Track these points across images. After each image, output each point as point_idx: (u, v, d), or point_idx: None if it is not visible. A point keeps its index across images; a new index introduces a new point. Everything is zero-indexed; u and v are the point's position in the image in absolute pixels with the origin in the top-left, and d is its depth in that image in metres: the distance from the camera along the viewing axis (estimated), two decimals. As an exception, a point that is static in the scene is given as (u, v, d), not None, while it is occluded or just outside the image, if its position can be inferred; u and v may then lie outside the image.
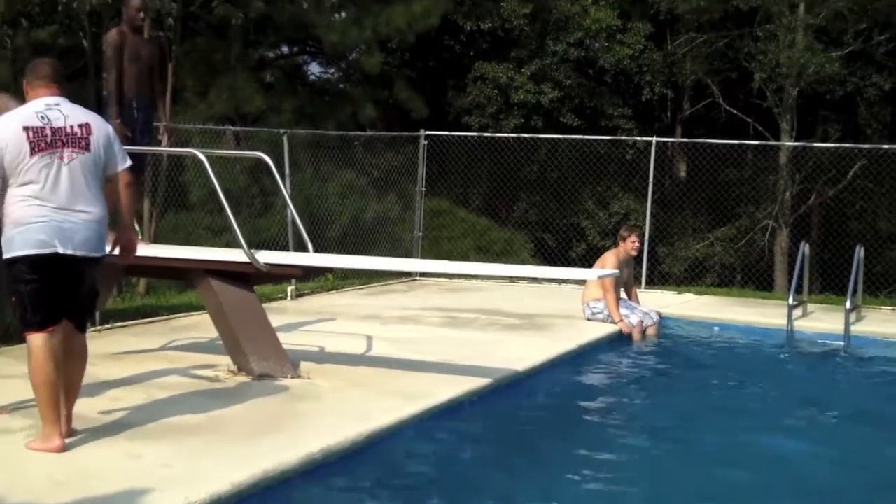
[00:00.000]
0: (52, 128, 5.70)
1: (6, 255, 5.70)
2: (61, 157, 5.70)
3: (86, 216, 5.77)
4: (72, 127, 5.77)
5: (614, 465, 6.69)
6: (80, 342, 6.06)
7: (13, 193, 5.64)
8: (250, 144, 17.37)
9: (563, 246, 23.04)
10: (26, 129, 5.64)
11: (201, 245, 12.47)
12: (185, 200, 17.42)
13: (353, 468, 6.11)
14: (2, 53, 16.35)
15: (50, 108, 5.77)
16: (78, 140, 5.77)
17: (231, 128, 18.85)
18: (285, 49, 27.52)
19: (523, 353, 9.36)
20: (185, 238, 16.14)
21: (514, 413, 7.90)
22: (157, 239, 15.50)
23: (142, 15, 8.52)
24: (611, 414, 8.37)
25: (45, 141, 5.65)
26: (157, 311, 11.15)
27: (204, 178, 15.18)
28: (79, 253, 5.75)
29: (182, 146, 15.22)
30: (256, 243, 14.50)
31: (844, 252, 15.95)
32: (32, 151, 5.62)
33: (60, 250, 5.67)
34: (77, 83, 19.69)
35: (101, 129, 5.96)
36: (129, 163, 6.14)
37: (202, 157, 7.89)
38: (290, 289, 12.88)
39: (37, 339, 5.71)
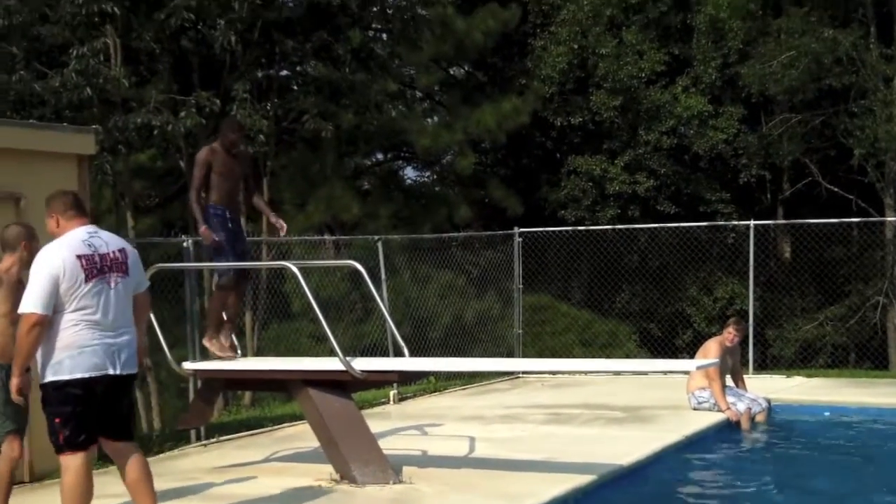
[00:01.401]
0: (98, 255, 5.93)
1: (52, 378, 5.83)
2: (109, 283, 5.93)
3: (127, 336, 6.00)
4: (113, 253, 6.02)
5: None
6: (137, 455, 6.21)
7: (67, 319, 5.81)
8: (349, 251, 17.58)
9: (669, 334, 22.74)
10: (79, 257, 5.85)
11: (305, 354, 12.63)
12: (287, 310, 17.66)
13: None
14: (104, 179, 16.89)
15: (92, 236, 6.02)
16: (120, 265, 6.01)
17: (327, 237, 19.15)
18: (380, 156, 28.03)
19: (628, 447, 9.19)
20: (288, 348, 16.31)
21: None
22: (259, 351, 15.75)
23: (233, 136, 8.72)
24: (721, 506, 8.14)
25: (96, 268, 5.88)
26: (261, 423, 11.24)
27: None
28: (124, 372, 5.96)
29: (282, 258, 15.51)
30: (358, 349, 14.70)
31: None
32: (87, 278, 5.84)
33: (111, 371, 5.87)
34: (178, 203, 20.31)
35: (133, 252, 6.24)
36: (149, 283, 6.46)
37: (295, 269, 8.01)
38: (392, 393, 12.89)
39: (77, 459, 5.84)
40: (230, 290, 8.76)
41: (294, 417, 11.39)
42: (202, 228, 8.53)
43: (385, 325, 13.08)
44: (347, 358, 7.79)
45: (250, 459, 9.07)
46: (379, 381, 8.66)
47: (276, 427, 11.03)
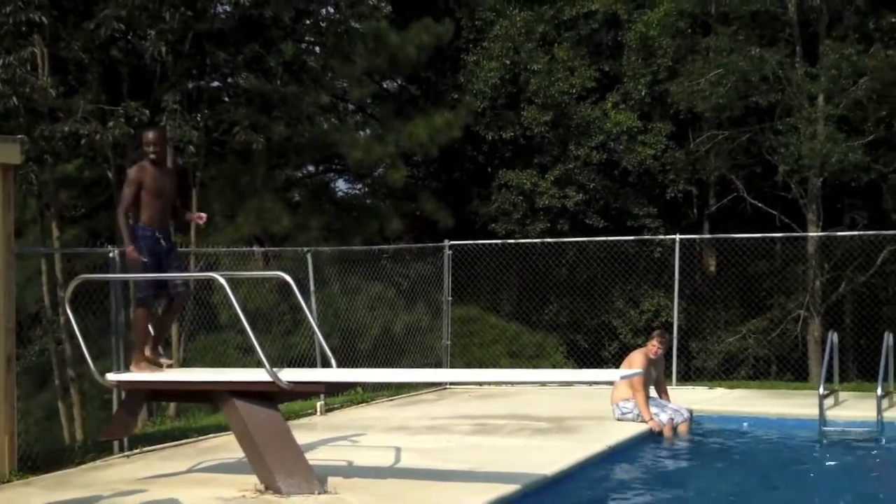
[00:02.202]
0: None
1: None
2: None
3: None
4: None
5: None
6: None
7: None
8: (279, 263, 17.56)
9: (596, 346, 22.98)
10: None
11: (232, 365, 12.59)
12: (215, 322, 17.58)
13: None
14: (29, 189, 16.67)
15: None
16: None
17: (256, 248, 19.09)
18: (311, 168, 27.99)
19: (552, 457, 9.31)
20: (215, 359, 16.24)
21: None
22: (185, 362, 15.68)
23: (153, 148, 8.66)
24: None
25: None
26: (186, 434, 11.19)
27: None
28: None
29: (211, 269, 15.45)
30: (286, 360, 14.68)
31: (878, 338, 15.76)
32: None
33: None
34: (104, 214, 20.12)
35: None
36: None
37: (222, 280, 8.02)
38: (319, 404, 12.89)
39: None
40: (149, 307, 8.71)
41: (219, 428, 11.33)
42: (129, 248, 8.47)
43: (313, 336, 13.13)
44: (275, 369, 7.82)
45: (175, 470, 9.04)
46: (306, 392, 8.69)
47: (201, 438, 10.98)
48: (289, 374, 8.03)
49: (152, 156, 8.61)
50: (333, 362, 8.63)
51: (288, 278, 8.93)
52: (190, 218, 9.42)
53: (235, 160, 19.90)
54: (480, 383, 15.30)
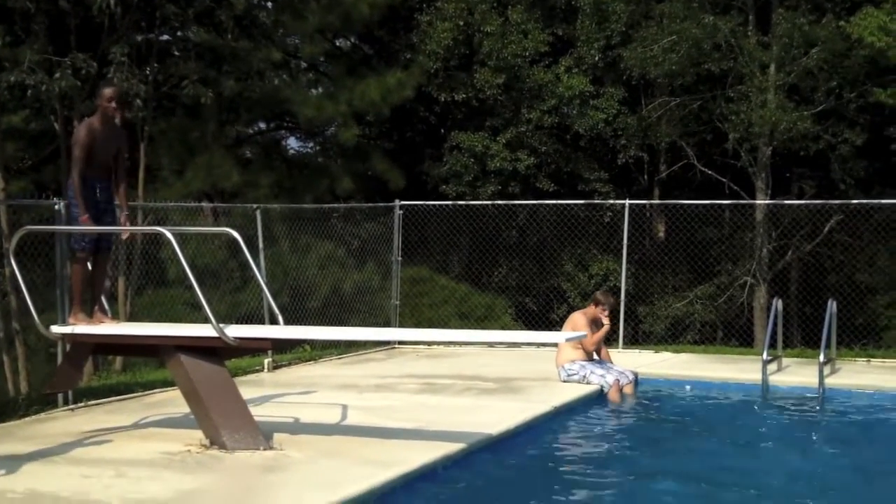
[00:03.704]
0: None
1: None
2: None
3: None
4: None
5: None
6: None
7: None
8: (228, 219, 17.43)
9: (544, 309, 23.12)
10: None
11: (181, 321, 12.51)
12: (163, 277, 17.45)
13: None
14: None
15: None
16: None
17: (206, 204, 18.94)
18: (262, 125, 27.79)
19: (498, 417, 9.37)
20: (163, 314, 16.13)
21: (488, 477, 7.89)
22: (132, 317, 15.56)
23: (113, 105, 8.54)
24: (583, 475, 8.33)
25: None
26: (131, 388, 11.13)
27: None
28: None
29: (159, 224, 15.32)
30: (235, 317, 14.63)
31: (822, 306, 15.94)
32: None
33: None
34: (51, 166, 19.85)
35: None
36: None
37: (170, 235, 7.97)
38: (266, 361, 12.87)
39: None
40: (86, 261, 8.61)
41: (165, 383, 11.29)
42: (83, 218, 8.34)
43: (262, 294, 13.09)
44: (222, 325, 7.79)
45: (119, 424, 9.00)
46: (252, 348, 8.65)
47: (146, 392, 10.94)
48: (236, 331, 8.00)
49: (111, 112, 8.49)
50: (280, 319, 8.61)
51: (236, 235, 8.88)
52: (120, 214, 9.05)
53: (185, 115, 19.67)
54: (429, 343, 15.36)
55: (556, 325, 21.56)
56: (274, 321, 9.05)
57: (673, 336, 21.77)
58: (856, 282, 21.66)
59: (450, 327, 18.68)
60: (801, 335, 20.38)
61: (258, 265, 10.90)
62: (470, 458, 8.07)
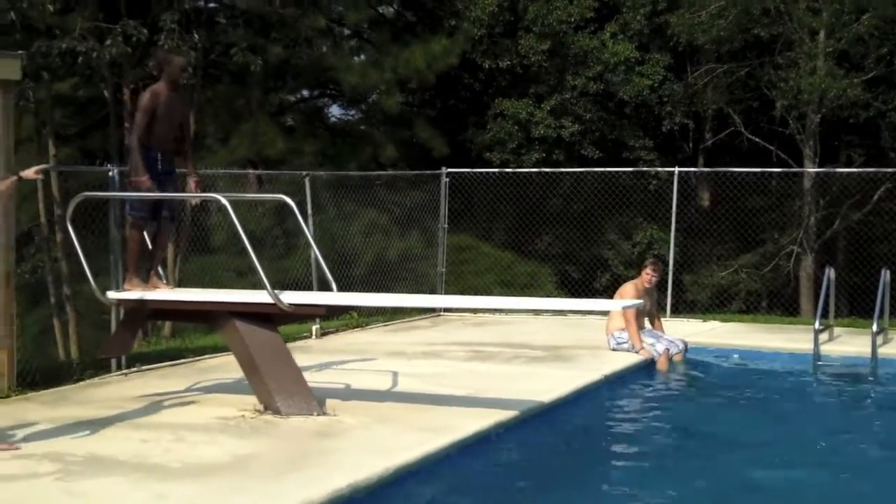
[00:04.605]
0: None
1: None
2: None
3: None
4: None
5: (639, 497, 6.66)
6: None
7: None
8: (273, 187, 17.50)
9: (587, 277, 23.01)
10: None
11: (227, 287, 12.57)
12: (209, 244, 17.55)
13: (381, 503, 6.12)
14: (25, 106, 16.53)
15: None
16: None
17: (253, 171, 18.99)
18: (305, 93, 27.77)
19: (549, 384, 9.36)
20: (210, 281, 16.25)
21: (541, 445, 7.92)
22: (181, 283, 15.69)
23: (186, 73, 8.59)
24: (636, 443, 8.33)
25: None
26: (182, 354, 11.23)
27: (227, 221, 15.31)
28: None
29: (206, 191, 15.38)
30: (281, 284, 14.57)
31: (871, 275, 15.85)
32: None
33: None
34: (100, 133, 19.97)
35: None
36: None
37: (225, 201, 8.02)
38: (314, 328, 12.94)
39: None
40: (142, 228, 8.66)
41: (215, 349, 11.39)
42: (143, 178, 8.38)
43: (308, 260, 13.15)
44: (276, 291, 7.82)
45: (172, 389, 9.07)
46: (306, 314, 8.73)
47: (197, 358, 11.03)
48: (289, 297, 8.04)
49: (181, 80, 8.53)
50: (334, 286, 8.62)
51: (290, 201, 8.93)
52: (189, 180, 9.10)
53: (230, 82, 19.71)
54: (477, 310, 15.35)
55: (599, 293, 21.48)
56: (326, 288, 9.06)
57: (718, 305, 21.60)
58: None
59: (493, 295, 18.68)
60: (848, 305, 20.18)
61: (308, 232, 10.89)
62: (523, 425, 8.07)
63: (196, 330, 14.08)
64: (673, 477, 7.12)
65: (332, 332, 13.38)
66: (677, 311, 15.89)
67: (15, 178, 7.28)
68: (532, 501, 6.51)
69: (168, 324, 15.42)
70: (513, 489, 6.75)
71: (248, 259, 8.12)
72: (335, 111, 29.05)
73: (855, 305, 17.67)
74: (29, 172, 7.26)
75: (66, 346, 16.02)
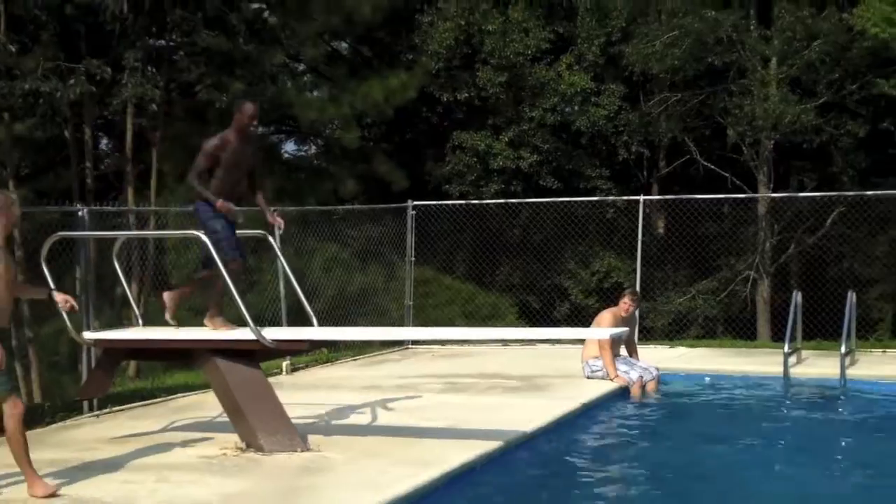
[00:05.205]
0: None
1: None
2: None
3: None
4: None
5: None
6: None
7: None
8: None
9: (547, 307, 23.06)
10: None
11: (184, 325, 12.46)
12: (166, 282, 17.37)
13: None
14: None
15: None
16: None
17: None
18: (260, 129, 27.67)
19: (528, 414, 9.38)
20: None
21: (526, 474, 7.92)
22: (147, 321, 15.51)
23: (254, 122, 8.42)
24: (620, 471, 8.36)
25: None
26: (154, 394, 11.09)
27: (184, 259, 15.20)
28: None
29: (162, 230, 15.32)
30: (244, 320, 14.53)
31: (825, 298, 16.13)
32: None
33: None
34: (52, 173, 19.75)
35: None
36: None
37: (205, 238, 8.00)
38: (285, 364, 12.83)
39: None
40: (238, 268, 8.48)
41: (187, 388, 11.29)
42: (219, 203, 8.25)
43: (273, 296, 13.10)
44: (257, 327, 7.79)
45: (148, 430, 8.98)
46: (289, 350, 8.67)
47: (170, 397, 10.92)
48: (271, 333, 8.01)
49: (250, 130, 8.40)
50: (314, 320, 8.61)
51: (270, 237, 8.91)
52: (268, 218, 8.95)
53: (191, 120, 19.61)
54: (445, 342, 15.35)
55: (559, 322, 21.53)
56: (297, 323, 9.01)
57: (676, 332, 21.73)
58: (856, 274, 21.75)
59: (457, 327, 18.67)
60: (803, 328, 20.39)
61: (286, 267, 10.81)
62: (507, 456, 8.09)
63: (162, 369, 13.93)
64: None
65: (302, 368, 13.30)
66: (640, 339, 15.97)
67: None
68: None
69: (133, 363, 15.25)
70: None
71: (207, 297, 8.06)
72: (289, 147, 29.03)
73: (810, 328, 17.85)
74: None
75: (28, 388, 15.79)
